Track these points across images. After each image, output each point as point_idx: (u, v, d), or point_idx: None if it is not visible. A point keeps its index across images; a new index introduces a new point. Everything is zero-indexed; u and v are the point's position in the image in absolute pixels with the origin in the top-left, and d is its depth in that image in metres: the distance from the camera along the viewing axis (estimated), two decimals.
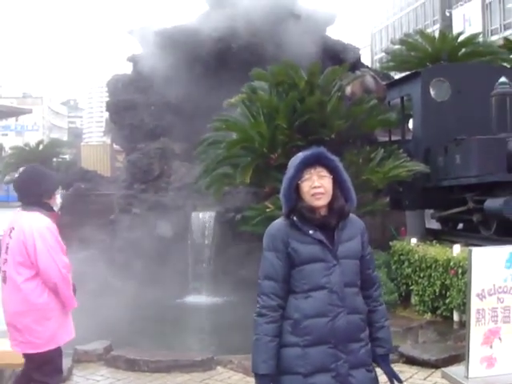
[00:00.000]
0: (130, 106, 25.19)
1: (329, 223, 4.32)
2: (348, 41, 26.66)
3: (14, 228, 6.11)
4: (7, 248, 6.10)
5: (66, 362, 9.59)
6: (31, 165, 6.80)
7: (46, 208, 6.23)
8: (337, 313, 4.23)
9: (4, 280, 6.17)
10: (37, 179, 6.24)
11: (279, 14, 24.11)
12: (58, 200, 6.25)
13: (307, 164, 4.35)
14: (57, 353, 6.22)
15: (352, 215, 4.47)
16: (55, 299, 6.09)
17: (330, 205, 4.35)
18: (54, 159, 41.77)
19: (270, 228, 4.44)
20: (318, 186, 4.30)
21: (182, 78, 22.86)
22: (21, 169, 6.51)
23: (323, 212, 4.34)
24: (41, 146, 41.88)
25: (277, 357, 4.23)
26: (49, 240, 5.97)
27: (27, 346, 6.09)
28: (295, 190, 4.36)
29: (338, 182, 4.38)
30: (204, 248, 19.42)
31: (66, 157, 44.49)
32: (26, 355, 6.23)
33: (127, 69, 27.99)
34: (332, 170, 4.37)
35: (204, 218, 19.77)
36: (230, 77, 21.40)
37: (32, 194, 6.18)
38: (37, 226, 5.98)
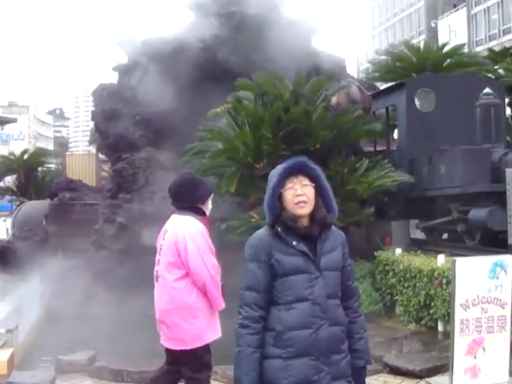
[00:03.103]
0: (116, 116, 25.16)
1: (311, 234, 4.31)
2: (333, 51, 26.79)
3: (167, 231, 6.46)
4: (161, 249, 6.49)
5: (49, 373, 9.56)
6: (187, 171, 7.13)
7: (199, 213, 6.50)
8: (319, 325, 4.21)
9: (156, 279, 6.54)
10: (193, 185, 6.53)
11: (264, 24, 24.15)
12: (209, 205, 6.42)
13: (290, 173, 4.34)
14: (204, 350, 6.39)
15: (333, 227, 4.46)
16: (203, 299, 6.28)
17: (312, 215, 4.34)
18: (39, 168, 41.49)
19: (252, 238, 4.41)
20: (300, 194, 4.29)
21: (168, 88, 22.85)
22: (177, 176, 6.86)
23: (305, 222, 4.33)
24: (26, 155, 41.55)
25: (259, 368, 4.21)
26: (199, 242, 6.21)
27: (175, 343, 6.34)
28: (278, 200, 4.36)
29: (320, 191, 4.38)
30: None
31: (52, 166, 44.23)
32: (173, 352, 6.46)
33: (113, 78, 27.96)
34: (314, 179, 4.36)
35: None
36: (215, 86, 21.42)
37: (187, 199, 6.45)
38: (189, 229, 6.26)
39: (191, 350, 6.25)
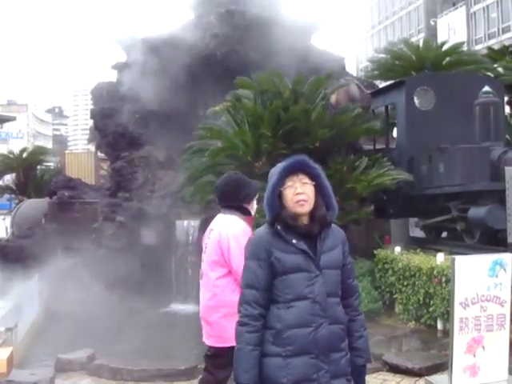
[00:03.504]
0: (115, 114, 25.13)
1: (311, 232, 4.32)
2: (333, 49, 26.78)
3: (212, 229, 6.51)
4: (205, 247, 6.53)
5: (49, 371, 9.56)
6: (234, 171, 7.23)
7: (244, 212, 6.51)
8: (319, 323, 4.21)
9: (201, 276, 6.58)
10: (239, 185, 6.55)
11: (264, 23, 24.13)
12: (254, 205, 6.48)
13: (290, 171, 4.36)
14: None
15: (333, 225, 4.47)
16: None
17: (312, 213, 4.34)
18: (38, 167, 41.42)
19: (252, 237, 4.43)
20: (300, 193, 4.30)
21: (167, 86, 22.83)
22: (224, 175, 6.88)
23: (305, 221, 4.33)
24: (25, 154, 41.50)
25: (259, 366, 4.21)
26: (242, 242, 6.01)
27: (216, 340, 6.36)
28: (278, 198, 4.36)
29: (319, 190, 4.38)
30: (188, 256, 19.37)
31: (51, 164, 44.14)
32: (213, 349, 6.46)
33: (112, 76, 27.95)
34: (314, 178, 4.37)
35: (188, 226, 19.73)
36: (214, 85, 21.44)
37: (233, 199, 6.49)
38: (233, 229, 6.29)
39: (229, 347, 6.18)
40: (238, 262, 6.07)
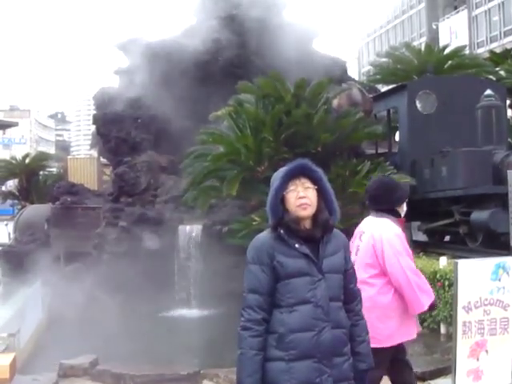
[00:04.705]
0: (117, 119, 25.16)
1: (314, 236, 4.31)
2: (335, 54, 26.78)
3: (364, 232, 6.59)
4: (357, 250, 6.55)
5: (52, 377, 9.56)
6: (384, 175, 7.08)
7: (395, 215, 6.59)
8: (322, 327, 4.21)
9: None
10: (390, 188, 6.63)
11: (266, 27, 24.16)
12: (404, 208, 6.54)
13: (292, 176, 4.36)
14: (392, 349, 6.50)
15: (335, 229, 4.47)
16: (399, 300, 6.38)
17: (314, 218, 4.34)
18: (41, 172, 41.51)
19: (255, 241, 4.41)
20: (303, 197, 4.30)
21: (169, 91, 22.85)
22: (374, 179, 6.98)
23: (307, 225, 4.33)
24: (27, 160, 41.61)
25: (262, 371, 4.21)
26: (396, 246, 6.29)
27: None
28: (281, 202, 4.36)
29: (322, 194, 4.38)
30: (191, 261, 19.38)
31: (53, 170, 44.21)
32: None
33: (114, 82, 27.97)
34: (316, 182, 4.37)
35: (191, 230, 19.73)
36: (216, 89, 21.44)
37: (385, 202, 6.56)
38: (386, 232, 6.35)
39: (381, 348, 6.31)
40: (393, 265, 6.27)
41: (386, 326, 6.33)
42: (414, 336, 6.64)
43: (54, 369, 10.14)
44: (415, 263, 12.94)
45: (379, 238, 6.31)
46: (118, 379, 9.59)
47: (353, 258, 6.37)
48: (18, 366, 10.02)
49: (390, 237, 6.31)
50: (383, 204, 6.56)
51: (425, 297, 6.32)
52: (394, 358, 6.70)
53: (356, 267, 6.27)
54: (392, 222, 6.47)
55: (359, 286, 6.30)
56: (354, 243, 6.65)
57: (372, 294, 6.31)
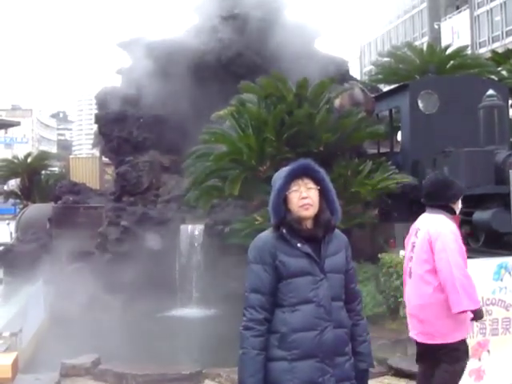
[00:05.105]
0: (119, 119, 25.19)
1: (316, 236, 4.32)
2: (337, 53, 26.77)
3: (419, 229, 6.60)
4: (413, 246, 6.61)
5: (54, 376, 9.56)
6: (439, 172, 7.05)
7: (450, 211, 6.58)
8: (324, 327, 4.21)
9: (409, 275, 6.64)
10: (446, 185, 6.63)
11: (268, 27, 24.17)
12: (459, 205, 6.55)
13: (295, 176, 4.36)
14: (458, 343, 6.43)
15: (336, 230, 4.47)
16: None
17: (316, 217, 4.35)
18: (43, 171, 41.47)
19: (257, 240, 4.41)
20: (305, 197, 4.30)
21: (171, 91, 22.87)
22: (429, 176, 7.01)
23: (309, 225, 4.34)
24: (29, 159, 41.59)
25: (264, 370, 4.21)
26: (450, 242, 6.27)
27: (427, 338, 6.43)
28: (283, 202, 4.36)
29: (323, 194, 4.39)
30: (193, 261, 19.38)
31: (55, 169, 44.18)
32: (423, 345, 6.54)
33: (116, 81, 27.99)
34: (319, 182, 4.37)
35: (193, 230, 19.74)
36: (218, 89, 21.44)
37: (440, 198, 6.57)
38: (441, 228, 6.37)
39: (442, 344, 6.34)
40: (441, 260, 6.24)
41: (443, 322, 6.29)
42: (466, 336, 6.58)
43: (56, 368, 10.16)
44: None
45: (435, 234, 6.32)
46: (120, 379, 9.60)
47: (408, 254, 6.65)
48: (20, 365, 10.03)
49: (445, 233, 6.31)
50: (439, 200, 6.57)
51: (466, 299, 6.16)
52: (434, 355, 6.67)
53: (412, 264, 6.49)
54: (447, 219, 6.48)
55: (416, 282, 6.39)
56: (410, 240, 6.72)
57: (429, 292, 6.32)
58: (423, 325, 6.42)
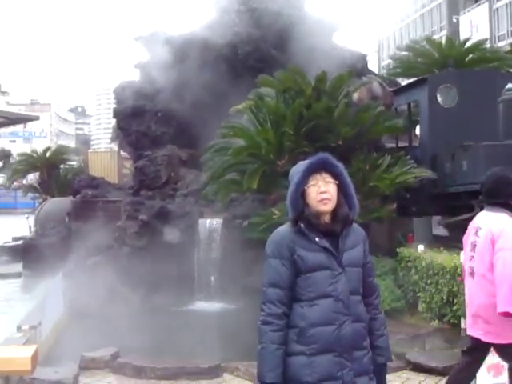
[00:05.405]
0: (137, 113, 25.22)
1: (334, 230, 4.32)
2: (355, 47, 26.67)
3: (480, 228, 6.55)
4: (474, 246, 6.59)
5: (73, 369, 9.62)
6: (499, 168, 7.01)
7: (510, 210, 6.53)
8: (342, 321, 4.22)
9: (471, 275, 6.62)
10: (506, 182, 6.58)
11: (286, 21, 24.13)
12: None
13: (313, 170, 4.36)
14: None
15: (353, 223, 4.47)
16: None
17: (334, 212, 4.35)
18: (62, 166, 41.60)
19: (275, 235, 4.42)
20: (324, 191, 4.31)
21: (189, 85, 22.89)
22: (489, 172, 6.87)
23: (327, 219, 4.34)
24: (48, 153, 41.72)
25: (283, 365, 4.22)
26: (510, 241, 6.21)
27: (492, 337, 6.42)
28: (301, 196, 4.36)
29: (342, 188, 4.38)
30: (211, 255, 19.38)
31: (74, 163, 44.32)
32: (486, 344, 6.55)
33: (134, 75, 28.02)
34: (337, 176, 4.37)
35: (211, 224, 19.73)
36: (236, 83, 21.41)
37: (502, 196, 6.52)
38: (504, 226, 6.31)
39: (507, 344, 6.33)
40: (498, 258, 6.20)
41: (503, 321, 6.22)
42: None
43: (76, 361, 10.21)
44: (436, 258, 12.89)
45: (498, 233, 6.24)
46: (138, 372, 9.66)
47: (469, 254, 6.60)
48: (39, 358, 10.05)
49: (508, 231, 6.23)
50: (500, 198, 6.50)
51: None
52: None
53: (475, 264, 6.45)
54: (508, 217, 6.40)
55: (480, 281, 6.35)
56: (469, 239, 6.68)
57: (491, 291, 6.25)
58: (489, 325, 6.35)
